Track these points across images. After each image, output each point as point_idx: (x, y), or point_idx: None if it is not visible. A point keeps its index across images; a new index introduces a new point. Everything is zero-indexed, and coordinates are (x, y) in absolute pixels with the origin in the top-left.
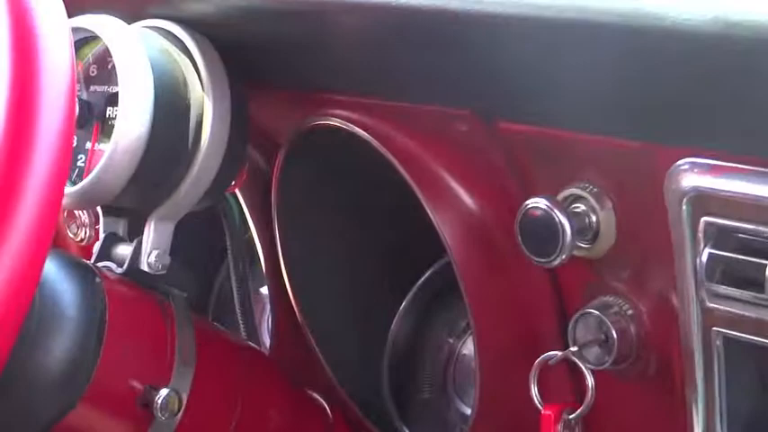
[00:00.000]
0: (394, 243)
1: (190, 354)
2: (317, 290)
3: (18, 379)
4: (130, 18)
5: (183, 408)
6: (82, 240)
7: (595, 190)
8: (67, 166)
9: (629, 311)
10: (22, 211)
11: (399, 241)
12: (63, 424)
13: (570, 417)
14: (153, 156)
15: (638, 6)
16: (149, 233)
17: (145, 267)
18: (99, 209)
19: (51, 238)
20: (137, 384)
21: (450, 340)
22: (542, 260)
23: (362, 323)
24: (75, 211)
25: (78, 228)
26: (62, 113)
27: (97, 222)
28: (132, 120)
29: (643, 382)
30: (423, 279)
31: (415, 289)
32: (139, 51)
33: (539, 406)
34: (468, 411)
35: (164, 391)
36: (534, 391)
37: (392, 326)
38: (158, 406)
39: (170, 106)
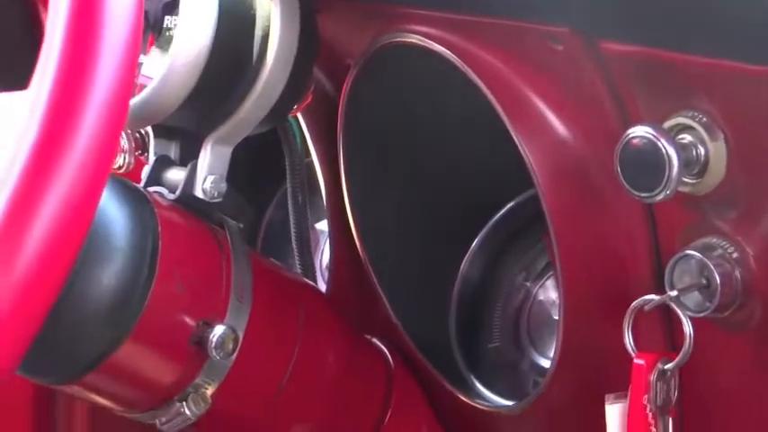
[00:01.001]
0: (467, 178)
1: (246, 289)
2: (383, 226)
3: (62, 312)
4: None
5: (238, 347)
6: (120, 168)
7: (705, 119)
8: (132, 80)
9: (735, 254)
10: (84, 128)
11: (474, 176)
12: (110, 361)
13: (666, 367)
14: (215, 70)
15: None
16: (205, 156)
17: (199, 194)
18: (150, 129)
19: (114, 158)
20: (190, 320)
21: (526, 284)
22: (644, 195)
23: (430, 264)
24: None
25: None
26: (129, 19)
27: (138, 148)
28: (194, 30)
29: (746, 331)
30: (496, 217)
31: (487, 228)
32: None
33: (632, 352)
34: (543, 362)
35: (219, 328)
36: (628, 338)
37: (461, 267)
38: (213, 344)
39: (234, 16)
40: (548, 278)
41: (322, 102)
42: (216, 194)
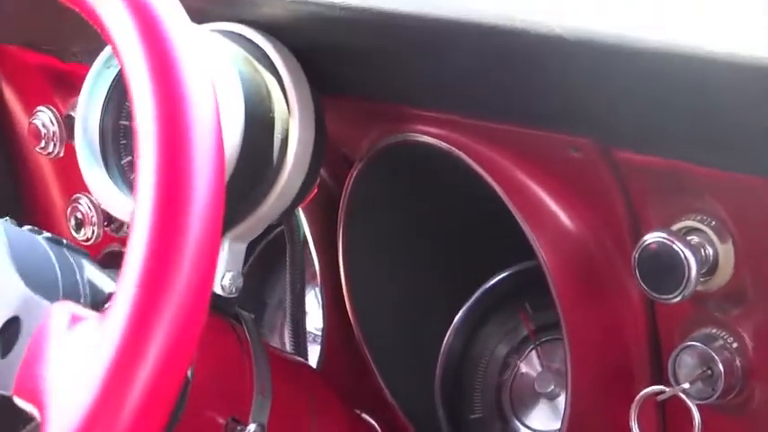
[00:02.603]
0: (453, 260)
1: (266, 382)
2: (376, 304)
3: None
4: (195, 18)
5: None
6: (88, 240)
7: (714, 223)
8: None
9: (735, 344)
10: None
11: (458, 259)
12: None
13: None
14: (240, 172)
15: None
16: (224, 254)
17: (218, 290)
18: None
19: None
20: (220, 419)
21: (508, 357)
22: (664, 297)
23: (418, 340)
24: (81, 208)
25: (85, 226)
26: (214, 165)
27: (105, 221)
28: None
29: (745, 414)
30: (476, 295)
31: (467, 305)
32: (228, 61)
33: None
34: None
35: (252, 427)
36: (634, 426)
37: (444, 342)
38: None
39: (256, 120)
40: (529, 351)
41: (322, 194)
42: (234, 290)
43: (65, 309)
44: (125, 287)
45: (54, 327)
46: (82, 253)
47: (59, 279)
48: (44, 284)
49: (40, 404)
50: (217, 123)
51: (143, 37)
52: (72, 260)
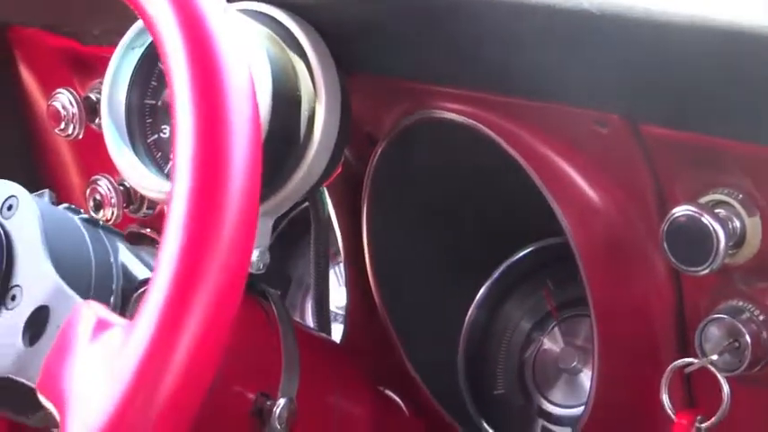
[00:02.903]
0: (474, 236)
1: (294, 358)
2: (399, 279)
3: None
4: None
5: (294, 412)
6: (107, 221)
7: (741, 196)
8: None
9: (761, 317)
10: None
11: (480, 234)
12: None
13: (703, 426)
14: (268, 150)
15: None
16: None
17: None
18: None
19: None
20: (249, 393)
21: (531, 333)
22: (692, 269)
23: (440, 314)
24: (100, 189)
25: (105, 207)
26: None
27: (124, 202)
28: None
29: None
30: (500, 269)
31: (491, 280)
32: (256, 41)
33: (671, 414)
34: (551, 408)
35: (281, 401)
36: (666, 398)
37: (467, 317)
38: (276, 415)
39: (284, 99)
40: (552, 328)
41: (346, 172)
42: (261, 267)
43: (92, 311)
44: (155, 293)
45: (81, 330)
46: (118, 235)
47: (92, 263)
48: (76, 270)
49: (60, 406)
50: (254, 103)
51: (179, 15)
52: (107, 242)
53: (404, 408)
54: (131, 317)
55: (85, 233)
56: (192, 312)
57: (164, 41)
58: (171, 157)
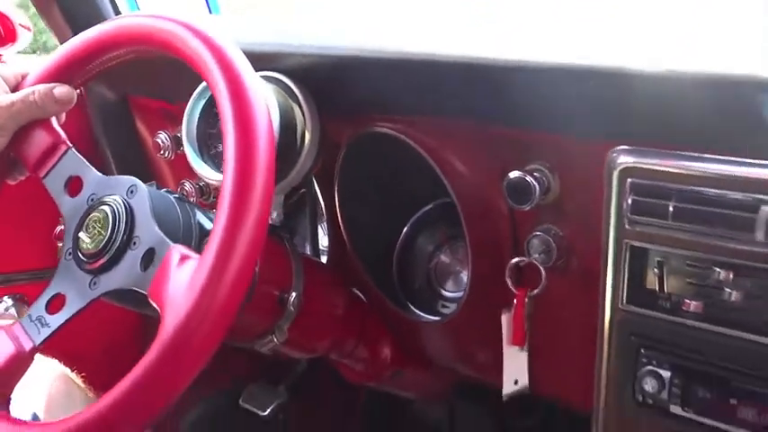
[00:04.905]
0: (403, 197)
1: (300, 271)
2: (358, 227)
3: None
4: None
5: (301, 303)
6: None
7: (548, 165)
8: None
9: (561, 233)
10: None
11: (406, 196)
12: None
13: (531, 294)
14: (279, 153)
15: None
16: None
17: (270, 221)
18: None
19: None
20: (276, 291)
21: (435, 251)
22: (518, 206)
23: (383, 245)
24: (186, 187)
25: (188, 198)
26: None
27: (200, 194)
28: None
29: (567, 273)
30: (416, 215)
31: (410, 222)
32: (270, 93)
33: (513, 289)
34: (448, 294)
35: (294, 294)
36: (509, 281)
37: (397, 245)
38: (291, 303)
39: (286, 125)
40: (446, 248)
41: (324, 166)
42: (278, 221)
43: (179, 250)
44: (213, 238)
45: (173, 261)
46: (196, 206)
47: (180, 223)
48: (171, 227)
49: (161, 305)
50: (270, 132)
51: (228, 82)
52: (189, 210)
53: (363, 299)
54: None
55: (176, 205)
56: (236, 248)
57: (218, 95)
58: (223, 161)
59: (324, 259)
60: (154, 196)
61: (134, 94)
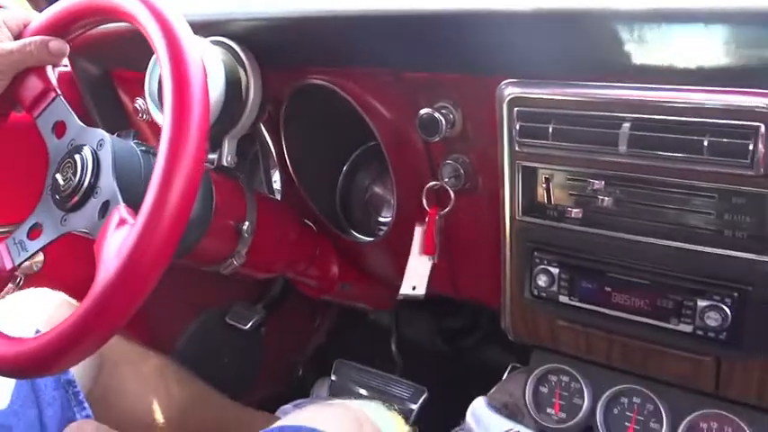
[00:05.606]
0: (340, 140)
1: (253, 204)
2: (306, 168)
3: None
4: (200, 33)
5: (255, 231)
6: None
7: (452, 102)
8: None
9: (467, 160)
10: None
11: (343, 139)
12: (200, 245)
13: (442, 213)
14: (226, 105)
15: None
16: (225, 145)
17: (225, 163)
18: None
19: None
20: (233, 222)
21: (370, 185)
22: (429, 138)
23: (327, 182)
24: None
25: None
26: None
27: None
28: (215, 91)
29: (476, 194)
30: (353, 155)
31: (349, 162)
32: (216, 55)
33: (427, 209)
34: (381, 219)
35: (247, 224)
36: (425, 201)
37: (339, 180)
38: (245, 230)
39: (233, 81)
40: (376, 181)
41: (272, 116)
42: (233, 163)
43: (119, 212)
44: (145, 203)
45: (113, 222)
46: None
47: (141, 176)
48: (131, 180)
49: (97, 262)
50: (204, 90)
51: (170, 47)
52: (152, 162)
53: (314, 228)
54: None
55: (141, 158)
56: (164, 216)
57: (161, 58)
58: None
59: (279, 197)
60: (119, 151)
61: (115, 67)
